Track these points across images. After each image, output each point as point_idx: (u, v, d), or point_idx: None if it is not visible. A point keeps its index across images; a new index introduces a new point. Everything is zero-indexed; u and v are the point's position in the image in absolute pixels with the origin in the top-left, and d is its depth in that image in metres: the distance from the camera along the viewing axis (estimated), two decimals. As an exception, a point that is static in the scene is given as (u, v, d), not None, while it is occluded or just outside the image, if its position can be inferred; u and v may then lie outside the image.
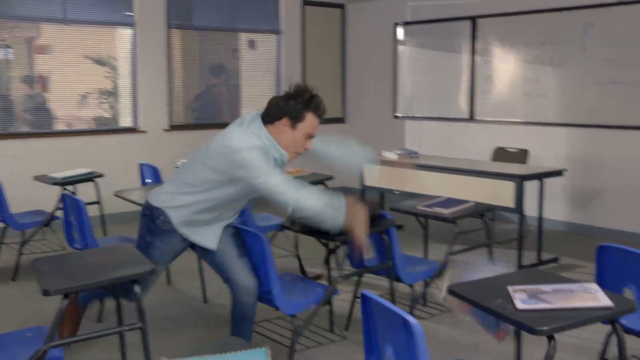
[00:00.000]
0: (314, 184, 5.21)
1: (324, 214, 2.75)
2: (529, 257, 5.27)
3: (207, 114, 7.65)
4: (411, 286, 3.84)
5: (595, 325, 2.32)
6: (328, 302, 3.52)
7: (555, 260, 5.40)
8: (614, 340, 2.91)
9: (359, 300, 4.05)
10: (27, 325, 3.25)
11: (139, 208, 3.27)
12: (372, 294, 2.08)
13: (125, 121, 7.04)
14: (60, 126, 6.71)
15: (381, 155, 6.30)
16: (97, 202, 5.44)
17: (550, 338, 2.08)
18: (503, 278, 2.48)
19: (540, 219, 5.38)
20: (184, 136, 7.14)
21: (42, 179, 5.32)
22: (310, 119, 2.92)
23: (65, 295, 2.50)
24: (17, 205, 5.19)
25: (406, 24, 7.83)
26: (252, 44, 7.99)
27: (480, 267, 3.01)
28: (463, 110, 7.30)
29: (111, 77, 7.01)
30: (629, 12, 5.92)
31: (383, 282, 3.61)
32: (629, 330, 2.71)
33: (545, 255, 5.37)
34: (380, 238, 3.57)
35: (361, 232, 2.88)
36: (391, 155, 6.19)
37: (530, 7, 6.58)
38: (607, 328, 2.74)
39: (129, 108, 7.04)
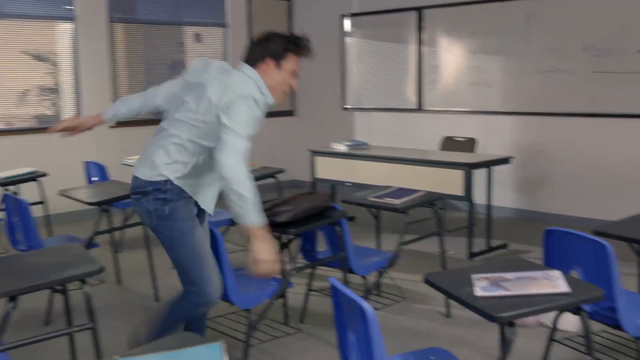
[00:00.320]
0: (265, 177, 5.22)
1: (250, 201, 2.58)
2: (479, 244, 5.36)
3: (153, 109, 7.51)
4: (364, 277, 3.86)
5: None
6: (282, 295, 3.51)
7: (504, 246, 5.51)
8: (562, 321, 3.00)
9: (312, 292, 4.07)
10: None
11: (85, 207, 3.18)
12: (338, 282, 2.10)
13: (69, 118, 6.85)
14: (-1, 125, 6.50)
15: (331, 147, 6.32)
16: (42, 202, 5.29)
17: (511, 324, 2.13)
18: (473, 267, 2.52)
19: (488, 207, 5.48)
20: (130, 133, 7.00)
21: (-18, 180, 5.14)
22: (292, 56, 2.87)
23: (11, 298, 2.42)
24: (-44, 207, 5.00)
25: (353, 15, 7.86)
26: (198, 38, 7.88)
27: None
28: (411, 100, 7.37)
29: (52, 73, 6.82)
30: (569, 2, 6.07)
31: (336, 273, 3.62)
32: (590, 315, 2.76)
33: (495, 242, 5.48)
34: (332, 230, 3.57)
35: (266, 265, 2.67)
36: (341, 147, 6.21)
37: (474, -3, 6.69)
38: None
39: (72, 105, 6.86)
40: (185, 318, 2.96)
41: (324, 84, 8.23)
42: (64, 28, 6.75)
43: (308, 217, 3.37)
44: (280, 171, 5.33)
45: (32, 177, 5.25)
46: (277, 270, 2.74)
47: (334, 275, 2.58)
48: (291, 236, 3.40)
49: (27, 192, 5.05)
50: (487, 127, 6.73)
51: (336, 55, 8.06)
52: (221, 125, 2.65)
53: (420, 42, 7.20)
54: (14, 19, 6.41)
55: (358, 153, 6.03)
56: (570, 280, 2.30)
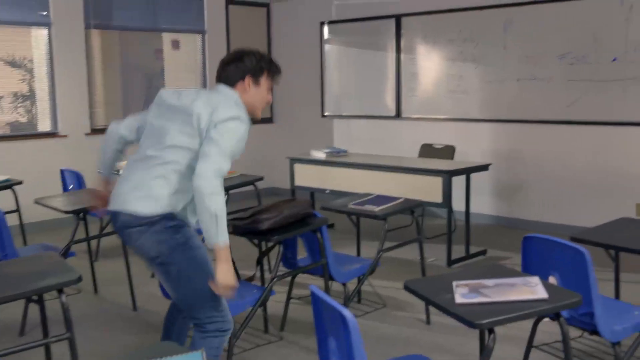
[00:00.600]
0: (244, 185, 5.20)
1: (220, 220, 2.49)
2: (458, 251, 5.39)
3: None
4: (344, 285, 3.86)
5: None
6: (264, 303, 3.49)
7: (483, 252, 5.54)
8: (540, 327, 3.02)
9: (293, 300, 4.05)
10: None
11: (61, 215, 3.11)
12: (318, 289, 2.09)
13: (44, 126, 6.77)
14: (-27, 132, 6.40)
15: (310, 155, 6.32)
16: (17, 211, 5.21)
17: (490, 331, 2.13)
18: (453, 274, 2.53)
19: (467, 213, 5.51)
20: (107, 140, 6.92)
21: (-45, 188, 5.05)
22: (267, 73, 2.84)
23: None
24: None
25: (331, 22, 7.87)
26: (176, 44, 7.84)
27: None
28: (390, 108, 7.40)
29: (27, 79, 6.73)
30: (545, 10, 6.15)
31: (316, 281, 3.61)
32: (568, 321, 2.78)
33: (474, 249, 5.51)
34: (312, 237, 3.57)
35: (224, 290, 2.59)
36: (320, 154, 6.21)
37: (452, 5, 6.73)
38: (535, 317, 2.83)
39: (48, 112, 6.77)
40: (217, 357, 2.74)
41: (303, 91, 8.23)
42: (39, 34, 6.67)
43: (289, 224, 3.35)
44: (260, 179, 5.31)
45: (6, 185, 5.16)
46: (232, 296, 2.65)
47: (313, 283, 2.57)
48: (271, 244, 3.39)
49: (2, 201, 4.97)
50: (466, 135, 6.78)
51: (315, 62, 8.07)
52: (207, 139, 2.59)
53: (398, 50, 7.24)
54: (-12, 24, 6.33)
55: (337, 160, 6.04)
56: (548, 287, 2.31)
